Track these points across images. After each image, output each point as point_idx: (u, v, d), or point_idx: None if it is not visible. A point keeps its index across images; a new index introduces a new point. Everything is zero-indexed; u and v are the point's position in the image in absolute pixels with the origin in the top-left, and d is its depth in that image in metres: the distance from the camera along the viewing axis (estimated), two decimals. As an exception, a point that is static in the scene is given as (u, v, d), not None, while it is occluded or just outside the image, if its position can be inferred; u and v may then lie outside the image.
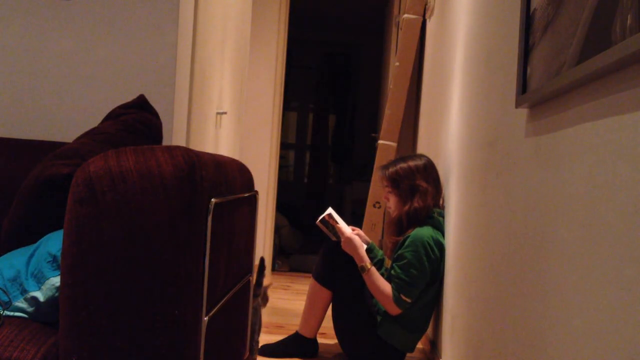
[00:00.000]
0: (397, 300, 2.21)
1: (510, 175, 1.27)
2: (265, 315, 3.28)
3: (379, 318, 2.30)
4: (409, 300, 2.21)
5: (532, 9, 1.11)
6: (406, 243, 2.24)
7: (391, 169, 2.39)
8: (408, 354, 2.41)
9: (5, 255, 1.29)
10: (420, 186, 2.31)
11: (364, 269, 2.27)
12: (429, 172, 2.36)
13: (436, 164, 2.46)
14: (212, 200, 1.14)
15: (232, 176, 1.39)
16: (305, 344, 2.47)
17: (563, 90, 0.91)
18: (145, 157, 1.05)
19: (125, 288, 1.02)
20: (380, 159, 3.23)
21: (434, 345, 2.45)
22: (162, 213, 1.02)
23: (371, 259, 2.40)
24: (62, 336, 1.03)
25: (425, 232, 2.24)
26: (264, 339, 2.60)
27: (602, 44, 0.74)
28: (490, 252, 1.44)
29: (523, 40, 1.14)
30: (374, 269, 2.28)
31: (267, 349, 2.46)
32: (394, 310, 2.23)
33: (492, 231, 1.42)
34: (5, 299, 1.17)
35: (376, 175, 3.22)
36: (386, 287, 2.24)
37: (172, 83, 2.12)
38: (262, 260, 2.12)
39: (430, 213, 2.31)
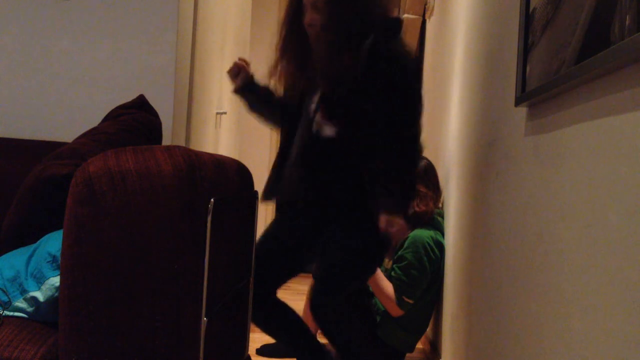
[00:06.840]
0: (399, 302, 2.21)
1: (510, 174, 1.27)
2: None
3: (378, 318, 2.30)
4: (410, 301, 2.21)
5: (531, 8, 1.11)
6: (406, 244, 2.24)
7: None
8: (408, 354, 2.41)
9: (5, 255, 1.29)
10: (419, 191, 2.31)
11: None
12: (429, 176, 2.36)
13: (436, 164, 2.45)
14: (212, 200, 1.14)
15: (231, 176, 1.39)
16: (305, 344, 2.47)
17: (562, 89, 0.91)
18: (145, 157, 1.05)
19: (125, 288, 1.02)
20: (380, 159, 3.21)
21: (434, 345, 2.45)
22: (162, 213, 1.02)
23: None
24: (62, 336, 1.03)
25: (424, 232, 2.24)
26: (264, 339, 2.60)
27: (601, 43, 0.74)
28: (489, 251, 1.44)
29: (522, 39, 1.14)
30: (378, 270, 2.27)
31: (267, 349, 2.46)
32: (396, 311, 2.23)
33: (492, 231, 1.42)
34: (5, 299, 1.17)
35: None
36: (389, 288, 2.23)
37: (172, 83, 2.11)
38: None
39: (432, 216, 2.31)
